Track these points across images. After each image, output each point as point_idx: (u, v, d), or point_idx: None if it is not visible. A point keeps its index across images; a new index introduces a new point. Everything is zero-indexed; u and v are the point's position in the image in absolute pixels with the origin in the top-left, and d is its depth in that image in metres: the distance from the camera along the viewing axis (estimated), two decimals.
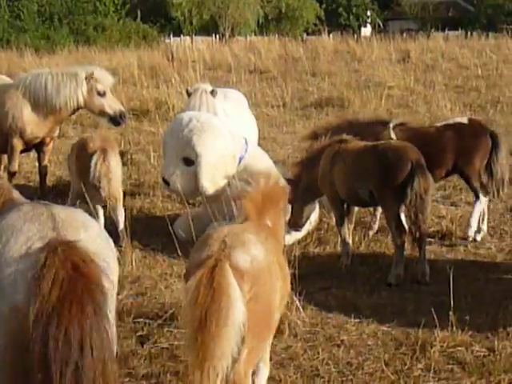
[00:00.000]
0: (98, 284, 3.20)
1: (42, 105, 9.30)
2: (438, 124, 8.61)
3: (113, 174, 7.72)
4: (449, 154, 8.01)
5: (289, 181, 7.20)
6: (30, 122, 9.33)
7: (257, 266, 3.89)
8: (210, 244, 3.94)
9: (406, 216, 6.91)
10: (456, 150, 8.01)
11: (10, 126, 9.34)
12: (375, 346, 5.75)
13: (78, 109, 9.60)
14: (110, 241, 3.69)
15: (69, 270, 3.12)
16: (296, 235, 7.94)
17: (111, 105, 9.44)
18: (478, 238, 8.21)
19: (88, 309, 3.15)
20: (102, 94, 9.35)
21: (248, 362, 3.85)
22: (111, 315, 3.47)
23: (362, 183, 7.07)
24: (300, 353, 5.62)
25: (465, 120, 8.41)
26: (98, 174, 7.67)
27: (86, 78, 9.26)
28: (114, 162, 7.78)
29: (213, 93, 9.20)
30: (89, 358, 3.12)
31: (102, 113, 9.49)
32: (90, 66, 10.06)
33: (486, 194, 8.13)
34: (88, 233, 3.44)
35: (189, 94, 9.28)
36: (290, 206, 7.36)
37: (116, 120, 9.52)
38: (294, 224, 7.63)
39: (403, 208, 6.93)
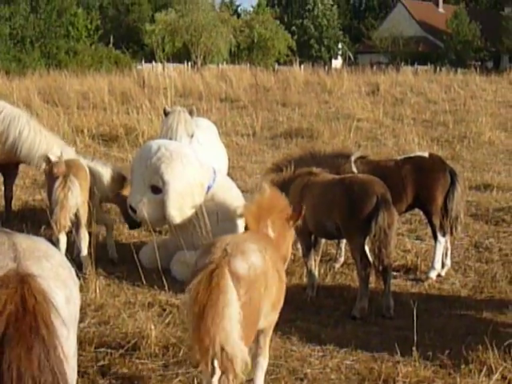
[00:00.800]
0: (46, 322, 3.13)
1: (9, 146, 9.22)
2: (399, 157, 8.68)
3: (67, 202, 7.64)
4: (408, 188, 8.05)
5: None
6: None
7: (253, 273, 4.36)
8: (213, 251, 4.39)
9: (369, 250, 6.92)
10: (415, 183, 8.04)
11: None
12: (338, 380, 5.72)
13: None
14: (73, 270, 3.65)
15: (17, 305, 3.07)
16: None
17: None
18: (443, 273, 8.25)
19: (35, 347, 3.08)
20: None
21: (237, 362, 4.20)
22: (72, 346, 3.41)
23: (328, 216, 7.08)
24: None
25: (425, 154, 8.48)
26: (55, 199, 7.63)
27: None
28: (75, 189, 7.70)
29: (191, 113, 9.15)
30: None
31: None
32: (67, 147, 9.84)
33: (444, 233, 8.16)
34: (50, 262, 3.39)
35: (166, 114, 9.21)
36: None
37: None
38: None
39: (367, 241, 6.95)
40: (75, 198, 7.70)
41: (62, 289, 3.33)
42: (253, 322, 4.43)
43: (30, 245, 3.44)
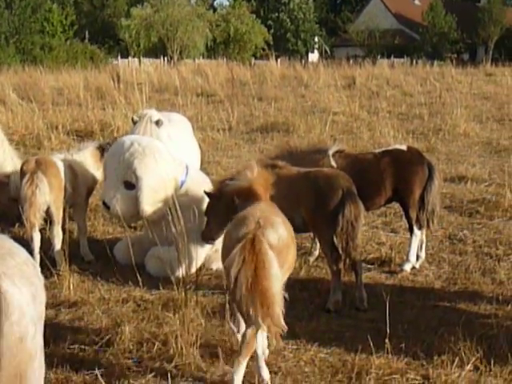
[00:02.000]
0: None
1: None
2: (377, 150, 8.69)
3: (35, 199, 7.62)
4: (387, 181, 8.05)
5: (209, 194, 7.26)
6: None
7: (281, 243, 5.10)
8: (247, 224, 5.05)
9: (337, 243, 6.91)
10: (393, 176, 8.05)
11: None
12: (312, 373, 5.74)
13: None
14: (37, 267, 3.64)
15: None
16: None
17: None
18: (417, 265, 8.29)
19: None
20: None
21: None
22: (38, 344, 3.40)
23: (294, 210, 7.05)
24: None
25: (403, 147, 8.48)
26: (23, 196, 7.62)
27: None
28: (43, 186, 7.67)
29: (158, 123, 9.15)
30: None
31: None
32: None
33: (420, 227, 8.20)
34: (14, 260, 3.38)
35: (134, 122, 9.23)
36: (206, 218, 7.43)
37: None
38: (209, 237, 7.48)
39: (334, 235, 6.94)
40: (43, 195, 7.66)
41: (27, 286, 3.32)
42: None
43: None
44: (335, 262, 6.97)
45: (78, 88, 23.75)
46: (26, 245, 7.43)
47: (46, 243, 8.18)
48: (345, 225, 6.85)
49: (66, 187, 8.10)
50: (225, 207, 6.93)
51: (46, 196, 7.68)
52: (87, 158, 8.62)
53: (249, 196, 5.86)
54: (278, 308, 4.93)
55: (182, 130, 9.86)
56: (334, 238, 6.91)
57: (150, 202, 7.77)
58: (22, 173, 7.80)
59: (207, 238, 7.38)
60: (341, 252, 6.92)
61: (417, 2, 79.95)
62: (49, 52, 49.26)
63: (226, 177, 7.68)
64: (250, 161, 8.44)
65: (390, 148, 8.68)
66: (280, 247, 5.06)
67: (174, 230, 7.10)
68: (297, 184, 7.12)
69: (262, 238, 4.89)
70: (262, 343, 5.44)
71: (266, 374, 5.50)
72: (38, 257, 7.76)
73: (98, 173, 8.67)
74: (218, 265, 8.02)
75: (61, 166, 8.12)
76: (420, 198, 8.12)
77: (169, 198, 7.74)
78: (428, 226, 8.31)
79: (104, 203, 8.03)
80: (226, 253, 5.13)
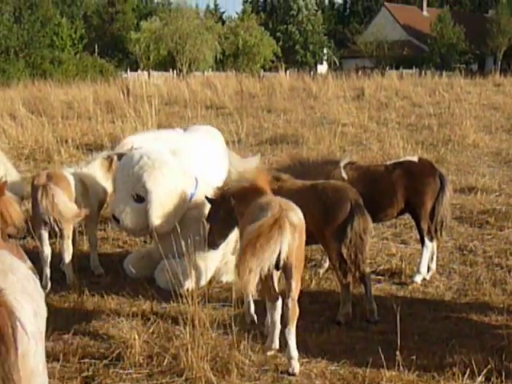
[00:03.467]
0: (9, 336, 3.10)
1: None
2: (388, 162, 8.68)
3: (56, 205, 7.65)
4: (398, 193, 8.03)
5: (210, 200, 7.28)
6: None
7: (301, 223, 5.92)
8: (272, 207, 5.85)
9: (345, 256, 6.88)
10: (405, 188, 8.03)
11: None
12: None
13: None
14: (38, 283, 3.63)
15: None
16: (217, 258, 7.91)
17: None
18: (428, 276, 8.26)
19: None
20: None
21: (296, 290, 5.89)
22: (40, 361, 3.38)
23: None
24: None
25: (415, 159, 8.46)
26: (44, 208, 7.64)
27: None
28: (58, 195, 7.69)
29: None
30: None
31: None
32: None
33: (432, 238, 8.18)
34: (16, 276, 3.37)
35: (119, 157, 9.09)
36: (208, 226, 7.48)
37: None
38: (213, 243, 7.48)
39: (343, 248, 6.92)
40: (62, 202, 7.69)
41: (29, 302, 3.31)
42: (302, 259, 6.02)
43: None
44: (344, 275, 6.94)
45: (87, 101, 23.86)
46: (35, 258, 7.47)
47: (56, 257, 8.21)
48: (353, 237, 6.83)
49: (77, 201, 8.12)
50: (226, 211, 7.01)
51: (64, 202, 7.71)
52: (96, 170, 8.65)
53: (252, 193, 6.54)
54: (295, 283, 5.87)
55: (198, 143, 9.84)
56: (343, 251, 6.90)
57: (159, 214, 7.77)
58: (34, 187, 7.82)
59: (212, 244, 7.38)
60: (349, 264, 6.90)
61: (425, 13, 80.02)
62: (58, 66, 49.48)
63: (227, 184, 7.70)
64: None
65: (401, 160, 8.67)
66: (301, 228, 5.88)
67: (183, 243, 7.09)
68: (303, 196, 7.10)
69: (285, 218, 5.72)
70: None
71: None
72: (48, 270, 7.78)
73: (107, 184, 8.70)
74: (227, 277, 8.02)
75: (71, 179, 8.14)
76: (431, 209, 8.11)
77: (178, 211, 7.75)
78: (436, 237, 8.29)
79: (114, 217, 8.05)
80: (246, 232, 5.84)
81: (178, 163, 8.23)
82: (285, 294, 5.91)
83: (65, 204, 7.72)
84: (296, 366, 5.90)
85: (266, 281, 6.01)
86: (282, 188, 7.24)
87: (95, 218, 8.68)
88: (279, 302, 6.18)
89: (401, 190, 8.03)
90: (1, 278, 3.26)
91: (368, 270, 7.15)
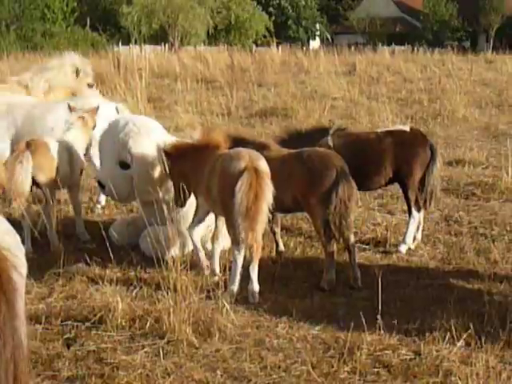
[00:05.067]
0: (10, 279, 3.11)
1: None
2: (379, 130, 8.64)
3: (18, 175, 7.66)
4: (387, 161, 7.99)
5: (168, 154, 7.42)
6: None
7: (268, 170, 6.63)
8: (242, 157, 6.59)
9: (330, 222, 6.90)
10: (395, 157, 7.99)
11: None
12: (304, 349, 5.75)
13: None
14: (18, 238, 3.62)
15: None
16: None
17: None
18: (412, 246, 8.28)
19: (1, 305, 3.06)
20: None
21: (261, 231, 6.79)
22: (21, 313, 3.38)
23: (286, 190, 7.03)
24: (228, 356, 5.60)
25: (406, 128, 8.43)
26: (8, 174, 7.70)
27: None
28: (27, 164, 7.69)
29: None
30: (1, 355, 3.03)
31: None
32: None
33: (419, 209, 8.18)
34: None
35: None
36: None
37: None
38: (176, 200, 7.53)
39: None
40: (25, 172, 7.67)
41: (9, 256, 3.30)
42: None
43: None
44: (329, 241, 6.97)
45: None
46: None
47: (43, 223, 8.20)
48: (338, 204, 6.84)
49: (61, 169, 8.08)
50: (187, 166, 7.26)
51: (27, 173, 7.69)
52: (78, 134, 8.57)
53: (209, 147, 7.15)
54: (262, 226, 6.65)
55: None
56: (328, 217, 6.91)
57: (144, 181, 7.76)
58: (13, 153, 7.84)
59: (179, 202, 7.43)
60: (334, 231, 6.92)
61: None
62: (50, 39, 49.21)
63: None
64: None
65: (392, 128, 8.65)
66: (269, 174, 6.57)
67: (166, 210, 7.10)
68: (289, 164, 7.11)
69: (262, 168, 6.52)
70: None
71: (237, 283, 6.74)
72: (29, 235, 7.79)
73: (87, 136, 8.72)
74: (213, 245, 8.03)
75: (54, 146, 8.09)
76: (420, 180, 8.09)
77: (163, 178, 7.74)
78: (425, 207, 8.29)
79: (99, 183, 8.04)
80: (224, 183, 6.60)
81: (163, 129, 8.22)
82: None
83: (21, 179, 7.71)
84: (256, 297, 6.67)
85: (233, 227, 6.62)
86: (267, 156, 7.24)
87: (78, 184, 8.64)
88: (243, 246, 6.68)
89: (389, 158, 8.00)
90: None
91: (353, 236, 7.16)
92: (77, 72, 11.29)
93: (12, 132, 9.52)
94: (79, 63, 11.47)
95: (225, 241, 7.51)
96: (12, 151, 8.00)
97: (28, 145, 7.81)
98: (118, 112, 9.28)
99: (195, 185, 7.18)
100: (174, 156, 7.36)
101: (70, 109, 8.56)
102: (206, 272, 7.17)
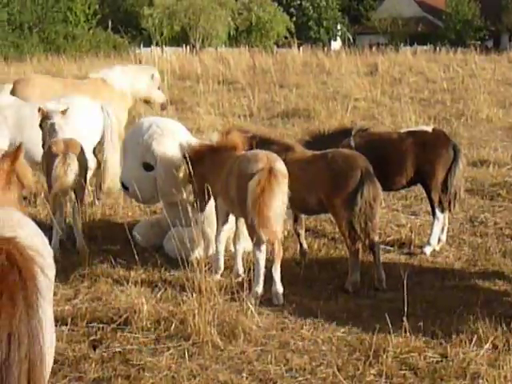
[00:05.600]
0: (32, 278, 3.09)
1: None
2: (402, 130, 8.60)
3: (66, 178, 7.68)
4: (409, 162, 7.96)
5: (190, 158, 7.37)
6: None
7: (286, 172, 6.64)
8: (259, 159, 6.59)
9: (355, 223, 6.87)
10: (416, 157, 7.95)
11: None
12: (329, 351, 5.74)
13: None
14: (46, 240, 3.62)
15: (2, 259, 3.03)
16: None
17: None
18: (437, 248, 8.23)
19: (19, 302, 3.04)
20: None
21: (281, 232, 6.86)
22: (49, 312, 3.38)
23: (310, 191, 7.02)
24: (254, 358, 5.60)
25: (429, 129, 8.38)
26: (55, 175, 7.66)
27: None
28: (74, 165, 7.72)
29: None
30: (15, 354, 3.01)
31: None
32: None
33: (443, 210, 8.12)
34: (24, 231, 3.36)
35: None
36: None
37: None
38: (197, 205, 7.57)
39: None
40: (74, 175, 7.72)
41: (37, 257, 3.30)
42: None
43: (3, 215, 3.42)
44: (353, 243, 6.94)
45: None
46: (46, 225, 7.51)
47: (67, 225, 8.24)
48: (363, 205, 6.82)
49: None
50: (206, 168, 7.34)
51: (75, 175, 7.73)
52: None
53: (227, 149, 7.22)
54: (277, 224, 6.59)
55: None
56: (353, 219, 6.88)
57: (168, 183, 7.77)
58: (53, 154, 7.80)
59: (199, 206, 7.45)
60: (359, 232, 6.90)
61: None
62: (72, 41, 49.42)
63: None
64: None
65: (415, 129, 8.60)
66: (287, 175, 6.60)
67: (190, 211, 7.10)
68: (314, 165, 7.10)
69: (278, 168, 6.55)
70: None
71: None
72: (57, 237, 7.83)
73: None
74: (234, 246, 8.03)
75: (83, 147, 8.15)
76: (443, 181, 8.04)
77: (186, 180, 7.75)
78: (449, 208, 8.24)
79: (123, 185, 8.06)
80: (241, 184, 6.58)
81: (186, 131, 8.23)
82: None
83: (74, 177, 7.74)
84: (280, 299, 6.64)
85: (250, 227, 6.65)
86: (292, 158, 7.25)
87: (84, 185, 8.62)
88: (264, 246, 6.67)
89: (411, 158, 7.96)
90: (10, 233, 3.24)
91: (377, 238, 7.13)
92: (152, 77, 12.69)
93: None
94: (154, 70, 13.15)
95: (247, 242, 7.50)
96: (50, 150, 7.93)
97: (66, 145, 7.83)
98: (103, 111, 9.44)
99: (213, 186, 7.18)
100: (194, 159, 7.36)
101: (40, 111, 8.41)
102: (217, 276, 7.13)
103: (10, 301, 2.95)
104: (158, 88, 13.09)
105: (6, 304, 2.94)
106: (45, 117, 8.18)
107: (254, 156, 6.75)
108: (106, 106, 9.92)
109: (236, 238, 7.28)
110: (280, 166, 6.63)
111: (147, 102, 13.26)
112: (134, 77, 12.46)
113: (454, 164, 8.03)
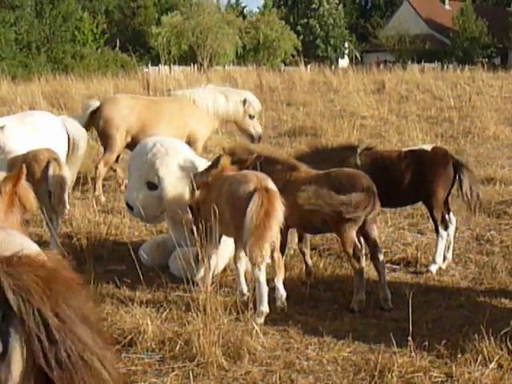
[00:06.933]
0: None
1: None
2: (403, 149, 8.63)
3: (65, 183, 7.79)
4: (406, 180, 8.00)
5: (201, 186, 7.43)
6: None
7: (277, 190, 6.63)
8: (250, 180, 6.62)
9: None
10: (414, 176, 7.98)
11: None
12: (334, 371, 5.71)
13: None
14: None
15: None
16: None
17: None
18: (443, 266, 8.21)
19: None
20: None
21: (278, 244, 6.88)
22: None
23: (314, 210, 7.00)
24: (259, 378, 5.57)
25: (428, 147, 8.39)
26: (53, 181, 7.74)
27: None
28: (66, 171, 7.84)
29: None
30: None
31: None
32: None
33: (446, 228, 8.11)
34: None
35: None
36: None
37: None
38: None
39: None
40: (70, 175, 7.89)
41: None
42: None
43: (5, 237, 3.42)
44: (358, 262, 6.93)
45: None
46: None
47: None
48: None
49: None
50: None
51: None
52: None
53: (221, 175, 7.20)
54: (269, 243, 6.57)
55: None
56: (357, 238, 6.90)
57: (172, 202, 7.78)
58: (39, 162, 7.86)
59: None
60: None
61: (447, 6, 79.46)
62: (80, 60, 49.71)
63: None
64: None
65: (415, 148, 8.63)
66: (278, 194, 6.60)
67: (195, 231, 7.10)
68: (317, 184, 7.08)
69: (272, 187, 6.55)
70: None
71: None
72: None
73: None
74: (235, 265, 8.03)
75: None
76: (460, 194, 8.05)
77: (191, 199, 7.75)
78: (475, 212, 8.20)
79: (127, 204, 8.07)
80: (235, 206, 6.64)
81: (190, 150, 8.25)
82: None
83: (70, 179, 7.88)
84: (284, 302, 6.77)
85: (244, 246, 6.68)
86: (296, 177, 7.26)
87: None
88: (263, 265, 6.58)
89: (409, 177, 7.99)
90: None
91: (382, 257, 7.12)
92: (244, 102, 12.22)
93: None
94: (249, 96, 12.65)
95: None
96: (35, 159, 7.99)
97: (49, 152, 7.98)
98: (64, 126, 9.52)
99: (204, 210, 7.17)
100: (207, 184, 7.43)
101: None
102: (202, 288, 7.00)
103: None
104: (252, 117, 12.49)
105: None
106: None
107: (243, 177, 6.79)
108: (69, 120, 10.02)
109: (236, 257, 7.25)
110: (272, 184, 6.66)
111: (242, 130, 12.79)
112: (221, 98, 12.18)
113: (461, 178, 8.01)
